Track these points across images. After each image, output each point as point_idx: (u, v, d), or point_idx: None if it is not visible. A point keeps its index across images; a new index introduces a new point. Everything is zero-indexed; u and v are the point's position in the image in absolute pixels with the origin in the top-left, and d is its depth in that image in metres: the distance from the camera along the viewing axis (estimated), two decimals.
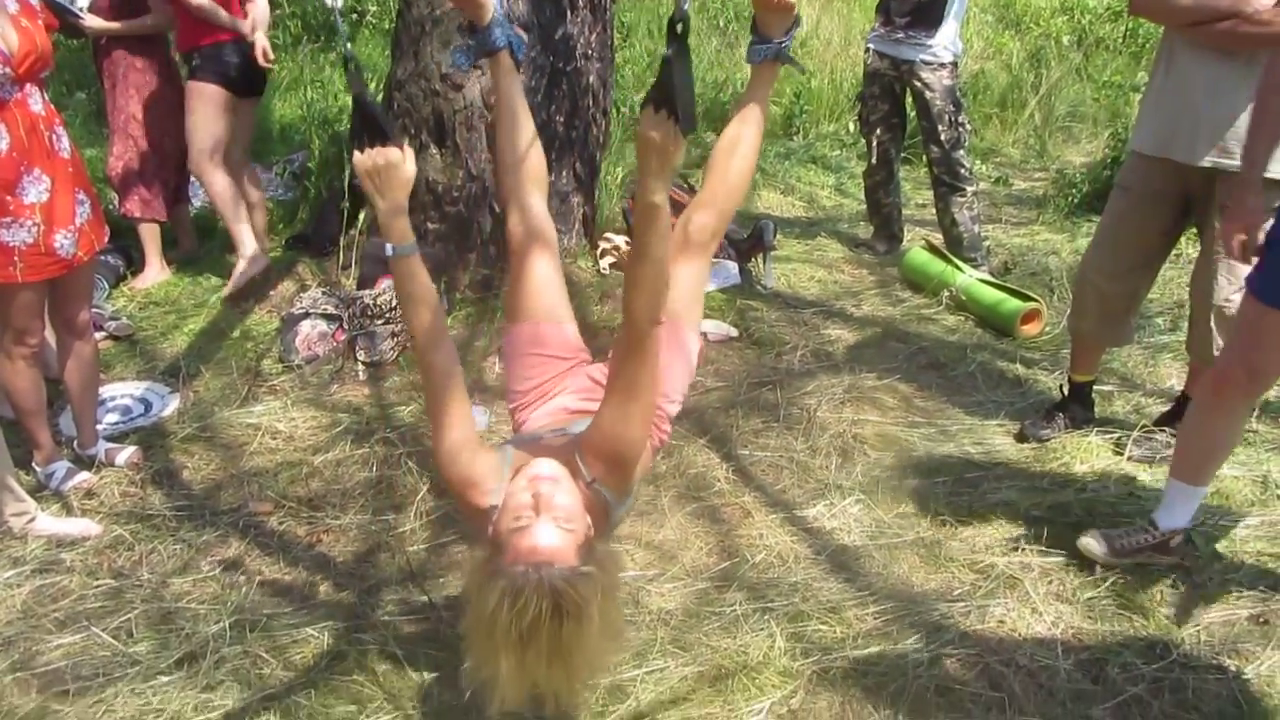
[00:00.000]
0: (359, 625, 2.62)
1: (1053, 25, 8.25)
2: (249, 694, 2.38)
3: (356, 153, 1.87)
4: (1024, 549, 2.85)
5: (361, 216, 4.29)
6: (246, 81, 4.36)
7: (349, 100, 5.89)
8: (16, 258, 2.78)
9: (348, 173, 4.34)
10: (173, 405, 3.67)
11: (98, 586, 2.78)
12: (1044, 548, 2.85)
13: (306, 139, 5.26)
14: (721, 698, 2.38)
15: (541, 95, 4.04)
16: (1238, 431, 2.74)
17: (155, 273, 4.56)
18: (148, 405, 3.70)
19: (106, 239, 3.14)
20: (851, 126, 6.82)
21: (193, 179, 4.98)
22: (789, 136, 6.83)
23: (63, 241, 2.88)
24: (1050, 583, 2.74)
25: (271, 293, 4.34)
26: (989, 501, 3.08)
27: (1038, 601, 2.67)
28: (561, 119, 4.14)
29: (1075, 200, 5.43)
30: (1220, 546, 2.85)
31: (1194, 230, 3.25)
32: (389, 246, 1.85)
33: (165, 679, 2.44)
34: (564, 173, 4.23)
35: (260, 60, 4.34)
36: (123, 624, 2.63)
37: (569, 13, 4.05)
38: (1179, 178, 2.97)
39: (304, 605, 2.71)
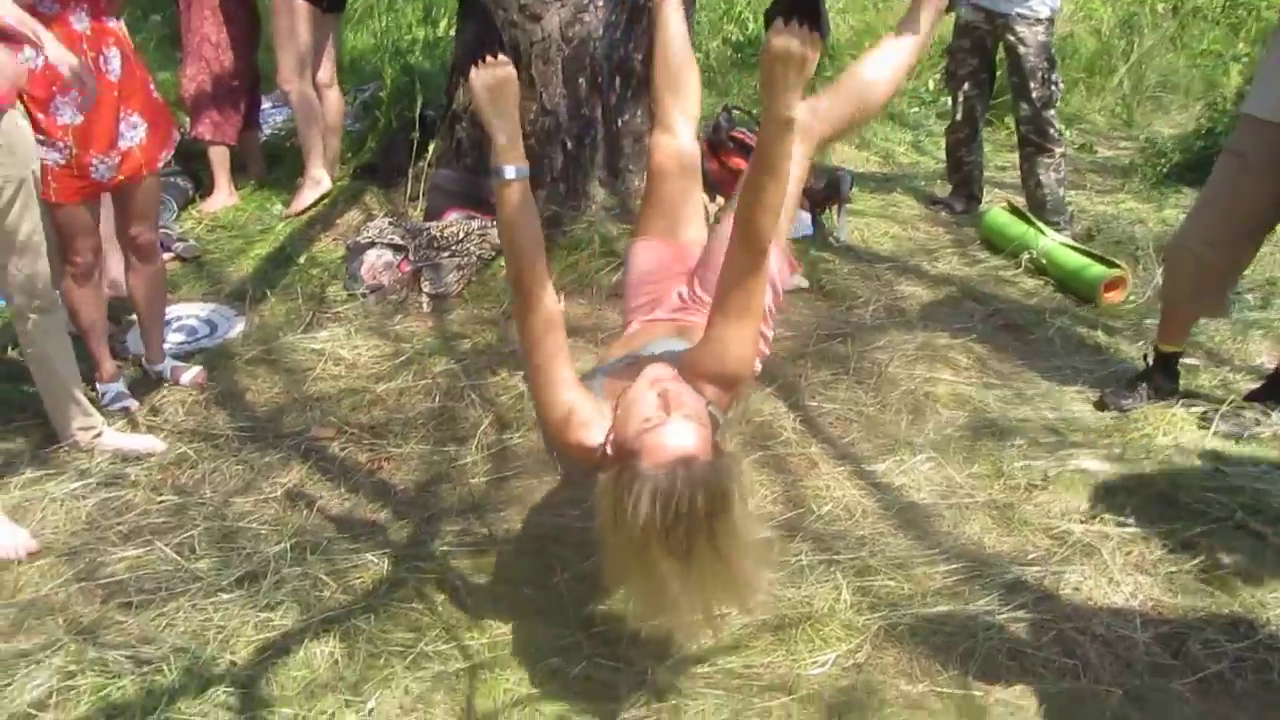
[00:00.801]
0: (418, 554, 2.60)
1: None
2: (308, 615, 2.37)
3: (473, 70, 1.80)
4: (1102, 518, 2.75)
5: (431, 148, 4.24)
6: None
7: (420, 32, 5.84)
8: (50, 178, 2.76)
9: (419, 103, 4.29)
10: (238, 327, 3.67)
11: (161, 502, 2.78)
12: (1123, 518, 2.75)
13: (378, 69, 5.20)
14: (784, 647, 2.33)
15: (621, 31, 3.94)
16: None
17: (223, 197, 4.56)
18: (213, 327, 3.70)
19: (162, 161, 3.09)
20: (931, 84, 6.63)
21: (264, 105, 4.98)
22: None
23: (98, 165, 2.84)
24: (1129, 553, 2.64)
25: (338, 220, 4.32)
26: (1066, 468, 2.98)
27: (1115, 571, 2.57)
28: (640, 56, 4.04)
29: (1164, 170, 5.23)
30: None
31: None
32: (509, 169, 1.80)
33: (226, 596, 2.43)
34: (639, 112, 4.13)
35: None
36: (185, 540, 2.63)
37: None
38: None
39: (364, 531, 2.69)
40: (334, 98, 4.62)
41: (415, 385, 3.30)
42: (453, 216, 4.01)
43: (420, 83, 4.52)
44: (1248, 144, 2.94)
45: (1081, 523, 2.74)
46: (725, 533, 1.71)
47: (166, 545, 2.59)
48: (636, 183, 4.20)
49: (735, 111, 4.49)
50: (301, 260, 4.07)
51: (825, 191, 4.33)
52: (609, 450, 1.84)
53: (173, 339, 3.55)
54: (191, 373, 3.33)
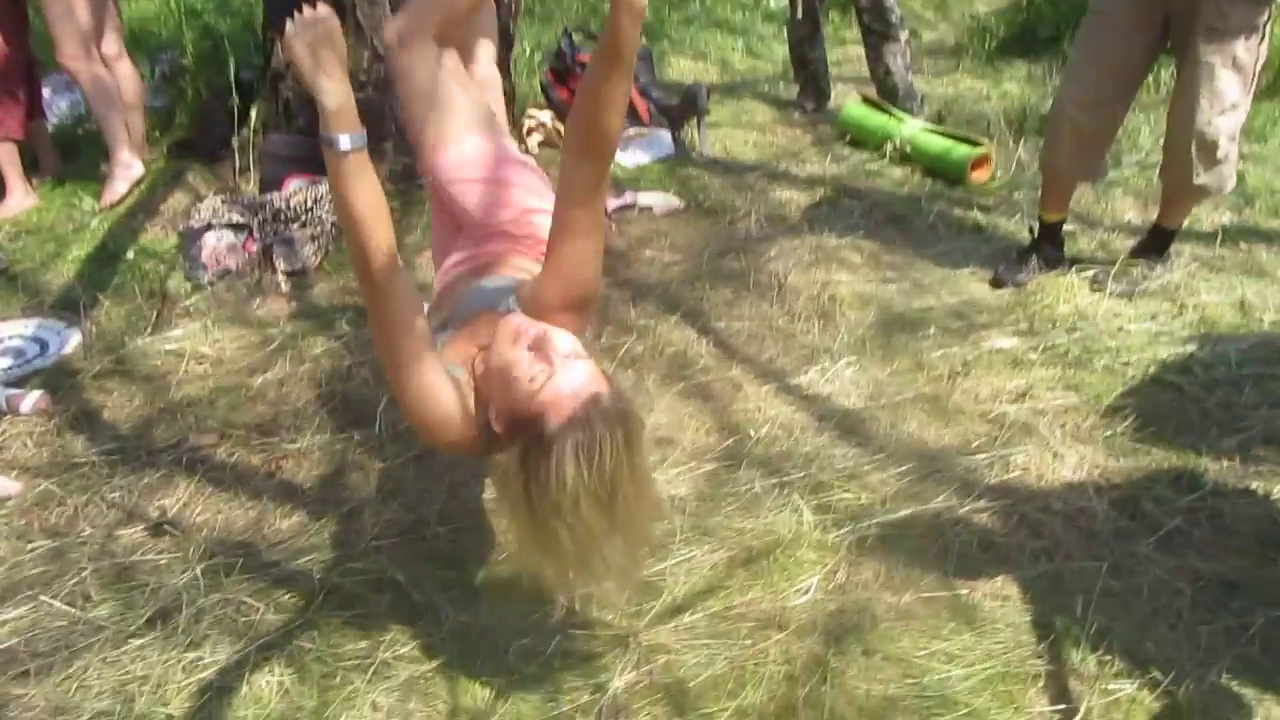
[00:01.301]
0: (347, 554, 2.36)
1: None
2: (242, 645, 2.11)
3: (289, 25, 1.56)
4: (1031, 394, 2.76)
5: (253, 114, 3.86)
6: None
7: None
8: None
9: (232, 66, 3.88)
10: (73, 341, 3.26)
11: (33, 550, 2.42)
12: (1050, 391, 2.77)
13: (171, 35, 4.71)
14: (760, 580, 2.23)
15: None
16: None
17: (20, 198, 4.03)
18: (43, 345, 3.27)
19: None
20: None
21: (45, 91, 4.44)
22: (685, 1, 6.50)
23: None
24: (1064, 425, 2.66)
25: (161, 206, 3.90)
26: (981, 350, 2.98)
27: (1057, 445, 2.58)
28: None
29: (992, 47, 5.31)
30: (1219, 372, 2.81)
31: None
32: (343, 138, 1.56)
33: (139, 642, 2.14)
34: None
35: None
36: (74, 588, 2.29)
37: None
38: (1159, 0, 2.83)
39: (280, 541, 2.43)
40: (127, 71, 4.14)
41: (295, 373, 3.01)
42: (294, 184, 3.66)
43: (228, 43, 4.10)
44: (1109, 3, 2.95)
45: (1013, 403, 2.75)
46: (641, 462, 1.62)
47: (53, 598, 2.27)
48: None
49: (576, 35, 4.26)
50: (130, 255, 3.64)
51: (682, 107, 4.18)
52: (497, 428, 1.65)
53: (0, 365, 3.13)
54: (32, 398, 2.93)
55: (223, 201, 3.67)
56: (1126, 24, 2.91)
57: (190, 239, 3.57)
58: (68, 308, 3.42)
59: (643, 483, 1.63)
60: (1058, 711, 1.89)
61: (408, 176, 3.69)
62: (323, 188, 3.58)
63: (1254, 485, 2.42)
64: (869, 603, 2.15)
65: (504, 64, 4.04)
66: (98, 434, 2.83)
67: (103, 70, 3.97)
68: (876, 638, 2.06)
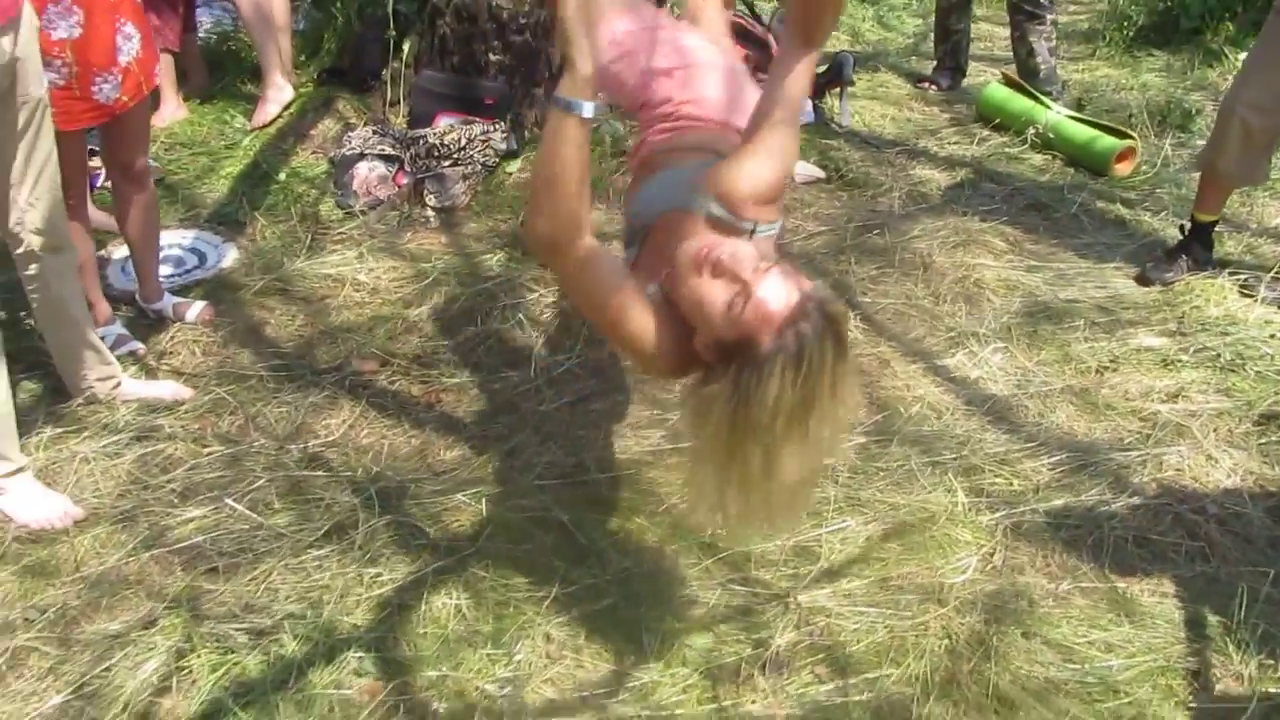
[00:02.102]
0: (513, 491, 2.45)
1: None
2: (417, 567, 2.21)
3: None
4: (1184, 396, 2.77)
5: (406, 47, 3.91)
6: None
7: None
8: (50, 103, 2.33)
9: None
10: (230, 256, 3.37)
11: (210, 454, 2.55)
12: (1202, 394, 2.77)
13: None
14: (916, 555, 2.28)
15: None
16: None
17: (173, 110, 4.13)
18: (202, 256, 3.39)
19: (157, 77, 2.76)
20: None
21: (199, 4, 4.52)
22: None
23: (102, 86, 2.50)
24: (1217, 429, 2.67)
25: (311, 132, 3.98)
26: (1129, 347, 2.98)
27: (1211, 449, 2.59)
28: None
29: (1130, 34, 5.20)
30: None
31: None
32: (587, 106, 1.54)
33: (317, 553, 2.25)
34: None
35: None
36: (253, 495, 2.42)
37: None
38: None
39: (444, 471, 2.52)
40: None
41: (450, 309, 3.09)
42: (446, 121, 3.72)
43: None
44: None
45: (1164, 402, 2.76)
46: (847, 368, 1.56)
47: (237, 501, 2.39)
48: None
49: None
50: (282, 177, 3.73)
51: (827, 76, 4.17)
52: (709, 358, 1.62)
53: (160, 273, 3.23)
54: (197, 308, 3.04)
55: (374, 133, 3.74)
56: None
57: (343, 167, 3.66)
58: (223, 222, 3.54)
59: (843, 394, 1.56)
60: (1219, 709, 1.93)
61: None
62: (476, 128, 3.63)
63: None
64: (1027, 587, 2.20)
65: None
66: (262, 349, 2.94)
67: None
68: (1036, 621, 2.11)
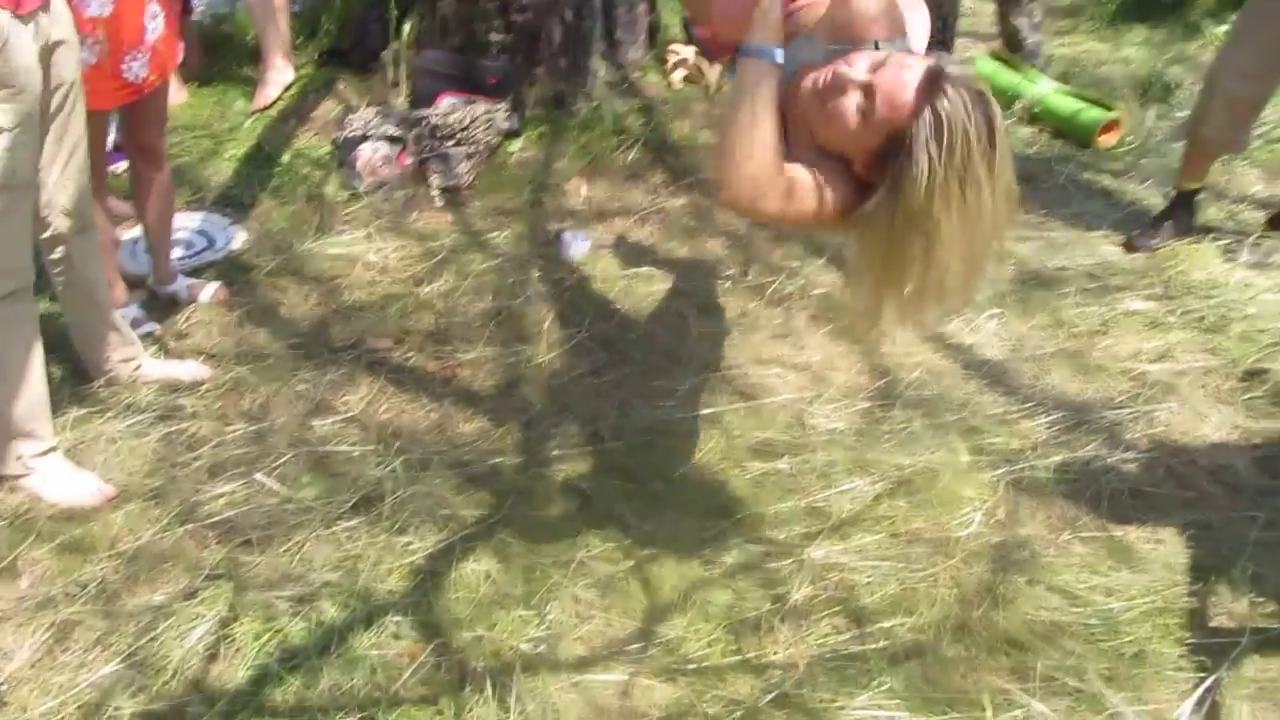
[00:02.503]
0: (533, 461, 2.54)
1: None
2: (445, 535, 2.30)
3: None
4: (1171, 356, 2.88)
5: (407, 27, 3.96)
6: None
7: None
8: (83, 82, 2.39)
9: None
10: (239, 237, 3.42)
11: (234, 431, 2.62)
12: (1190, 354, 2.89)
13: None
14: (923, 512, 2.39)
15: None
16: None
17: (173, 92, 4.12)
18: (210, 239, 3.44)
19: (182, 54, 2.82)
20: None
21: None
22: None
23: (131, 64, 2.55)
24: (1204, 386, 2.79)
25: (313, 114, 4.03)
26: (1118, 310, 3.09)
27: (1199, 404, 2.71)
28: None
29: (1113, 9, 5.30)
30: None
31: None
32: (779, 52, 1.58)
33: (347, 524, 2.33)
34: None
35: None
36: (280, 469, 2.49)
37: None
38: None
39: (465, 443, 2.61)
40: None
41: (460, 286, 3.16)
42: (449, 101, 3.78)
43: None
44: None
45: (1153, 362, 2.87)
46: (999, 138, 1.55)
47: (265, 476, 2.46)
48: (633, 54, 4.04)
49: None
50: (285, 159, 3.79)
51: None
52: (871, 177, 1.59)
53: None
54: (210, 289, 3.11)
55: (376, 113, 3.80)
56: None
57: (346, 148, 3.71)
58: (229, 205, 3.59)
59: (997, 165, 1.55)
60: (1214, 644, 2.05)
61: (559, 103, 3.80)
62: (480, 108, 3.70)
63: None
64: (1029, 539, 2.31)
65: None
66: (278, 328, 3.01)
67: None
68: (1040, 569, 2.23)
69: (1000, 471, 2.49)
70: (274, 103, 4.07)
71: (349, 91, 4.07)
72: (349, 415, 2.69)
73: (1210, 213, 3.62)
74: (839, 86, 1.56)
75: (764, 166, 1.59)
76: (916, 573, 2.22)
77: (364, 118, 3.78)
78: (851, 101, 1.55)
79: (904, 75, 1.51)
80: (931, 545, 2.29)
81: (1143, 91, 4.42)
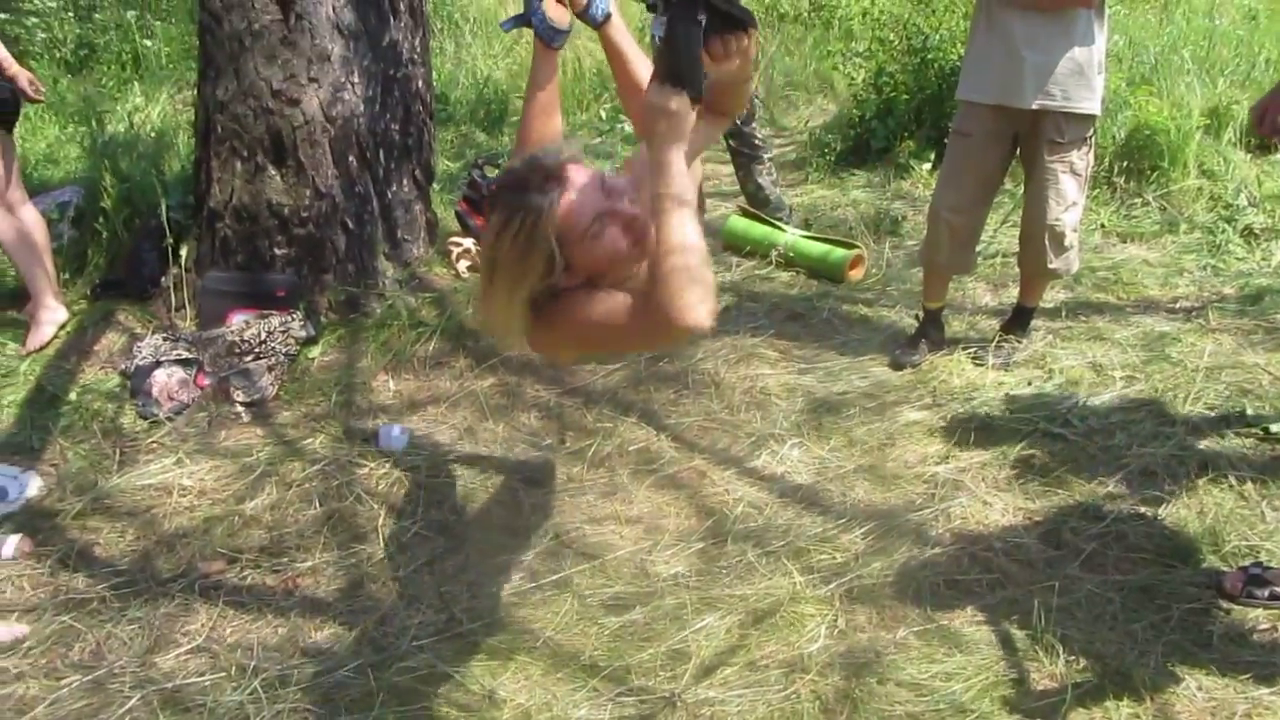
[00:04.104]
0: (394, 656, 2.54)
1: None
2: None
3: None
4: (952, 456, 3.24)
5: (184, 252, 3.99)
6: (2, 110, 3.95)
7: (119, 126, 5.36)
8: None
9: (164, 204, 4.01)
10: (34, 484, 3.28)
11: (68, 685, 2.49)
12: (967, 452, 3.25)
13: (90, 172, 4.75)
14: (773, 636, 2.56)
15: (378, 105, 3.95)
16: None
17: None
18: (2, 491, 3.28)
19: None
20: (603, 113, 7.08)
21: None
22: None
23: None
24: (985, 479, 3.14)
25: (95, 348, 3.94)
26: (899, 423, 3.45)
27: (985, 495, 3.05)
28: (397, 126, 4.06)
29: (832, 159, 5.98)
30: (1093, 422, 3.37)
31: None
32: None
33: None
34: (404, 181, 4.15)
35: (29, 92, 3.96)
36: (128, 715, 2.39)
37: (392, 18, 3.98)
38: (1009, 120, 3.45)
39: (320, 651, 2.58)
40: (33, 216, 4.16)
41: (285, 497, 3.15)
42: (241, 318, 3.81)
43: (160, 174, 4.24)
44: (969, 124, 3.55)
45: (938, 464, 3.21)
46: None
47: None
48: (416, 251, 4.22)
49: (486, 166, 4.62)
50: (73, 397, 3.67)
51: None
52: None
53: None
54: (12, 542, 2.96)
55: (165, 339, 3.77)
56: (984, 142, 3.51)
57: (138, 377, 3.65)
58: (16, 453, 3.44)
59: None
60: (1044, 705, 2.30)
61: (352, 306, 3.90)
62: (274, 320, 3.75)
63: (1144, 510, 2.94)
64: (871, 641, 2.52)
65: (428, 196, 4.35)
66: (96, 570, 2.89)
67: (17, 217, 4.01)
68: (886, 668, 2.43)
69: (833, 585, 2.71)
70: (49, 342, 3.96)
71: (130, 321, 4.02)
72: (193, 645, 2.62)
73: (955, 326, 4.11)
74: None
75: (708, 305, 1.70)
76: (779, 693, 2.37)
77: (153, 344, 3.75)
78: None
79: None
80: (787, 665, 2.46)
81: (875, 228, 5.00)
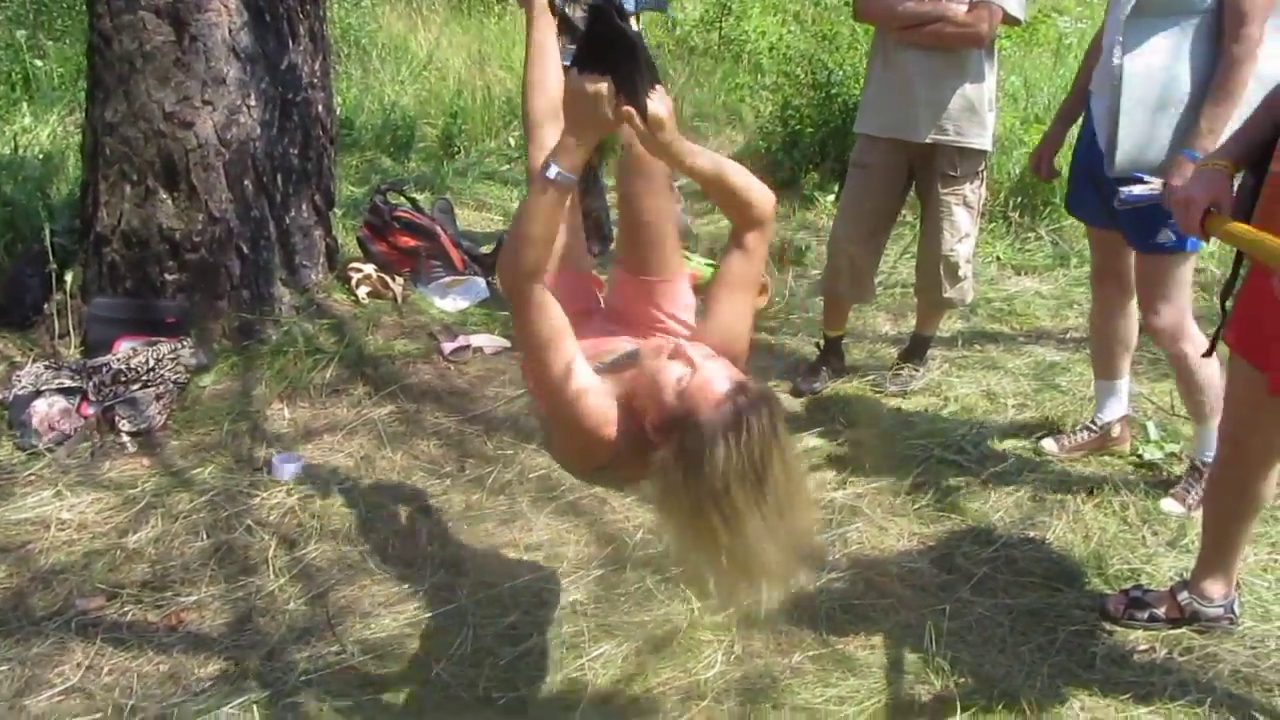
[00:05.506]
0: (281, 692, 2.46)
1: (656, 36, 9.02)
2: None
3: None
4: (850, 482, 3.28)
5: (69, 278, 3.85)
6: None
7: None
8: None
9: (48, 228, 3.87)
10: None
11: None
12: (864, 478, 3.30)
13: None
14: (671, 662, 2.55)
15: (276, 129, 3.88)
16: (1128, 328, 3.32)
17: None
18: None
19: None
20: (512, 140, 7.07)
21: None
22: (450, 156, 6.91)
23: None
24: (881, 504, 3.18)
25: None
26: (799, 449, 3.48)
27: (880, 520, 3.10)
28: (296, 151, 3.99)
29: None
30: (985, 449, 3.45)
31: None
32: (571, 176, 1.72)
33: None
34: (304, 206, 4.08)
35: None
36: None
37: (291, 42, 3.92)
38: (905, 153, 3.54)
39: (205, 689, 2.49)
40: None
41: (171, 529, 3.04)
42: (128, 345, 3.68)
43: (45, 209, 4.09)
44: (867, 157, 3.63)
45: (836, 490, 3.25)
46: (787, 442, 1.73)
47: None
48: (315, 276, 4.15)
49: (389, 193, 4.57)
50: None
51: (494, 255, 4.54)
52: (656, 438, 1.77)
53: None
54: None
55: (46, 367, 3.63)
56: (881, 174, 3.60)
57: (17, 407, 3.51)
58: None
59: (791, 463, 1.72)
60: None
61: (246, 333, 3.81)
62: (163, 347, 3.63)
63: (1032, 534, 3.02)
64: (767, 666, 2.52)
65: (328, 221, 4.28)
66: None
67: None
68: (782, 692, 2.44)
69: (729, 611, 2.71)
70: None
71: (10, 349, 3.85)
72: (67, 686, 2.49)
73: (855, 354, 4.18)
74: (671, 354, 1.79)
75: (529, 271, 1.74)
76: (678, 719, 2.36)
77: (33, 373, 3.60)
78: (675, 371, 1.76)
79: (723, 373, 1.74)
80: (683, 691, 2.45)
81: (780, 257, 5.07)
